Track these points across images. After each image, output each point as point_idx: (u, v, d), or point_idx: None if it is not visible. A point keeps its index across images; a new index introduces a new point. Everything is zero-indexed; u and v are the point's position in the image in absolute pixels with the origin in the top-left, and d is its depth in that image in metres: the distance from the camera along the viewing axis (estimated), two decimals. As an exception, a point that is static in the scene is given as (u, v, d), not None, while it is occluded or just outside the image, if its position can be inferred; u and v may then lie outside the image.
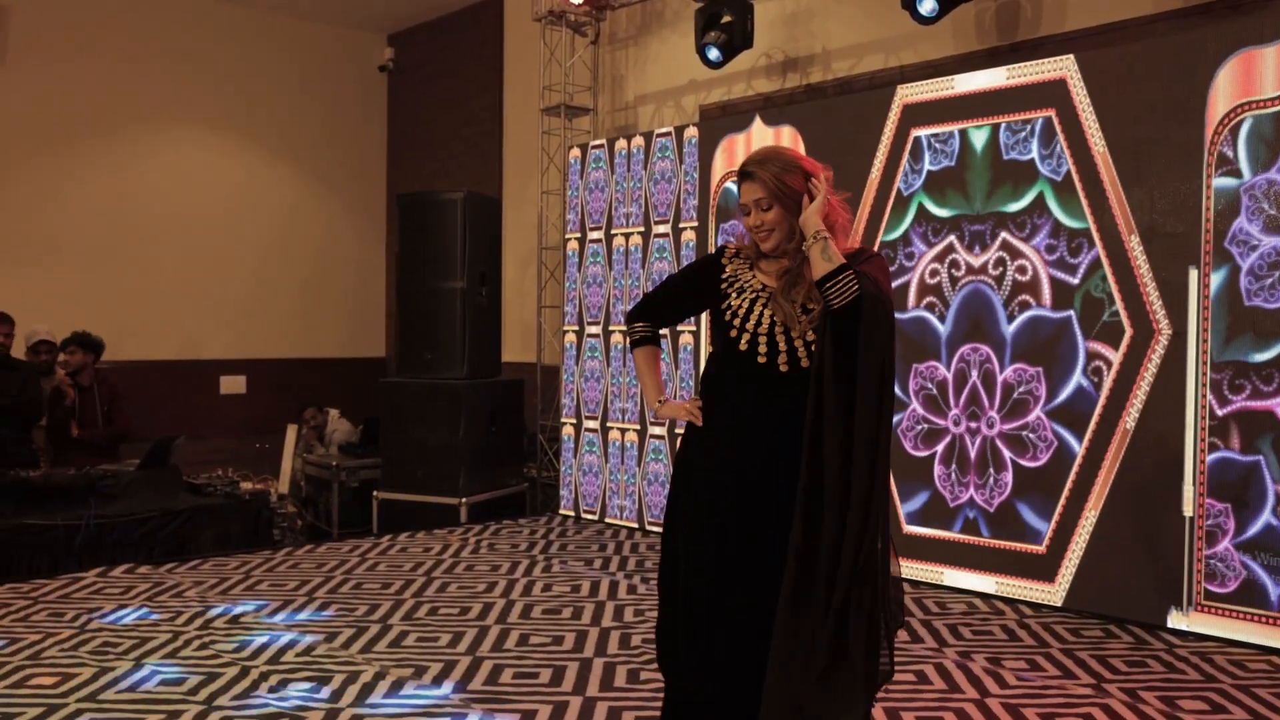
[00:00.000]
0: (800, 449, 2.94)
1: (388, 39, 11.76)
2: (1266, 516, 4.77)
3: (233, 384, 10.86)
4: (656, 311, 3.39)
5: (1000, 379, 5.65)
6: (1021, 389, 5.56)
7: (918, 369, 5.99)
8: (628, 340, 4.23)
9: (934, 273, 5.93)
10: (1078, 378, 5.38)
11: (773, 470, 3.01)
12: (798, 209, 3.04)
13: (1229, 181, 4.90)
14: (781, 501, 2.96)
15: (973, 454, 5.74)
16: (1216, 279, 4.93)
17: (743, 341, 3.07)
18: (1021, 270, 5.58)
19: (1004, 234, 5.64)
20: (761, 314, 3.08)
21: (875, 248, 6.17)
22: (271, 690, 4.18)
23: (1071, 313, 5.41)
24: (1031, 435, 5.53)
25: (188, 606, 5.39)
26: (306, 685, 4.24)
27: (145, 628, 5.02)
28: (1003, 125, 5.65)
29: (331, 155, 11.46)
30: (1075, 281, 5.39)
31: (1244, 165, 4.86)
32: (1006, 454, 5.60)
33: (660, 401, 3.34)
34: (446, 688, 4.25)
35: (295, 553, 6.73)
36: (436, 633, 4.99)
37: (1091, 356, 5.34)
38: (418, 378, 8.10)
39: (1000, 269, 5.66)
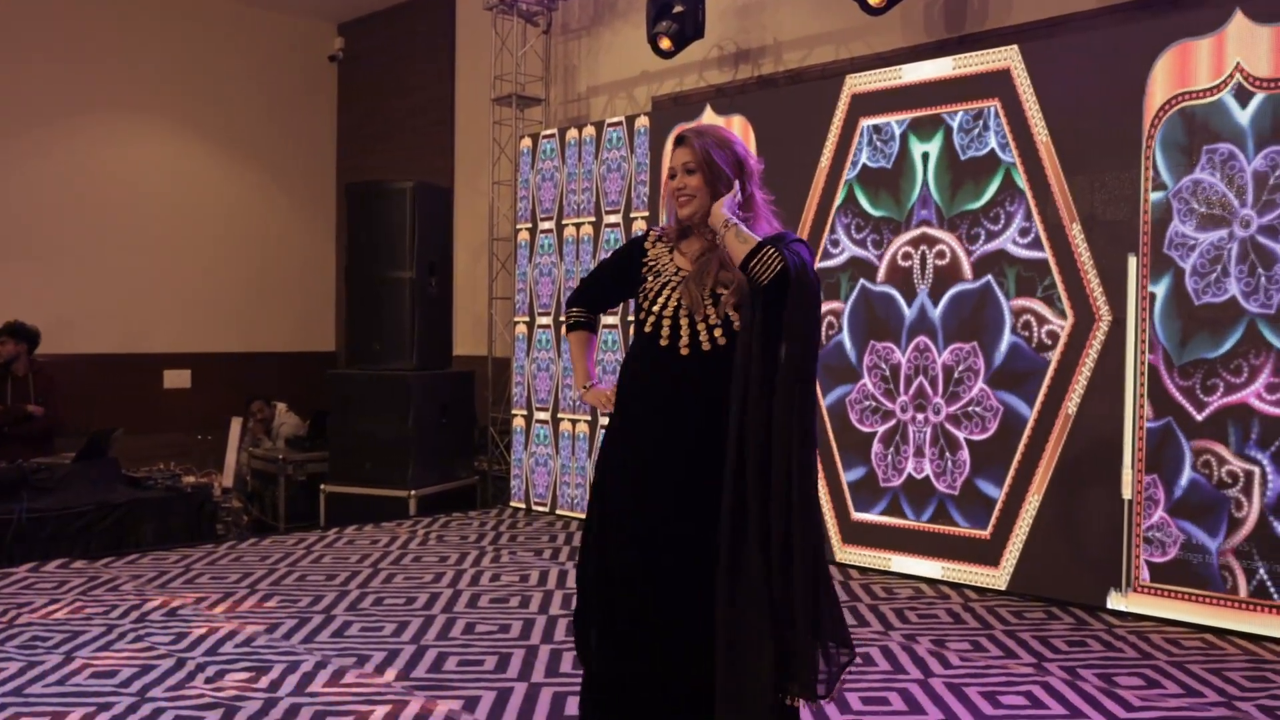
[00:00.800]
0: (707, 431, 2.94)
1: (338, 28, 11.64)
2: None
3: (177, 378, 10.70)
4: (588, 297, 3.39)
5: (940, 364, 5.68)
6: (961, 367, 5.60)
7: (875, 347, 6.01)
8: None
9: (906, 255, 5.95)
10: (1008, 336, 5.43)
11: (678, 454, 3.00)
12: (717, 186, 3.02)
13: (1157, 195, 4.97)
14: (689, 487, 2.96)
15: (925, 440, 5.76)
16: (1163, 286, 4.97)
17: (648, 324, 3.07)
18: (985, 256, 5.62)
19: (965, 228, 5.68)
20: (669, 297, 3.05)
21: (804, 233, 6.19)
22: (208, 681, 4.12)
23: (989, 277, 5.47)
24: (977, 409, 5.56)
25: (124, 600, 5.31)
26: (244, 675, 4.19)
27: (77, 621, 4.93)
28: (955, 130, 5.68)
29: (281, 146, 11.33)
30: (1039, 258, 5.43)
31: (1165, 177, 4.95)
32: (959, 434, 5.63)
33: (585, 388, 3.32)
34: (389, 675, 4.21)
35: (238, 546, 6.66)
36: (381, 623, 4.95)
37: (1019, 312, 5.38)
38: (366, 369, 8.04)
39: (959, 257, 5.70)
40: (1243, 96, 4.74)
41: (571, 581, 5.65)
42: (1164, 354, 4.97)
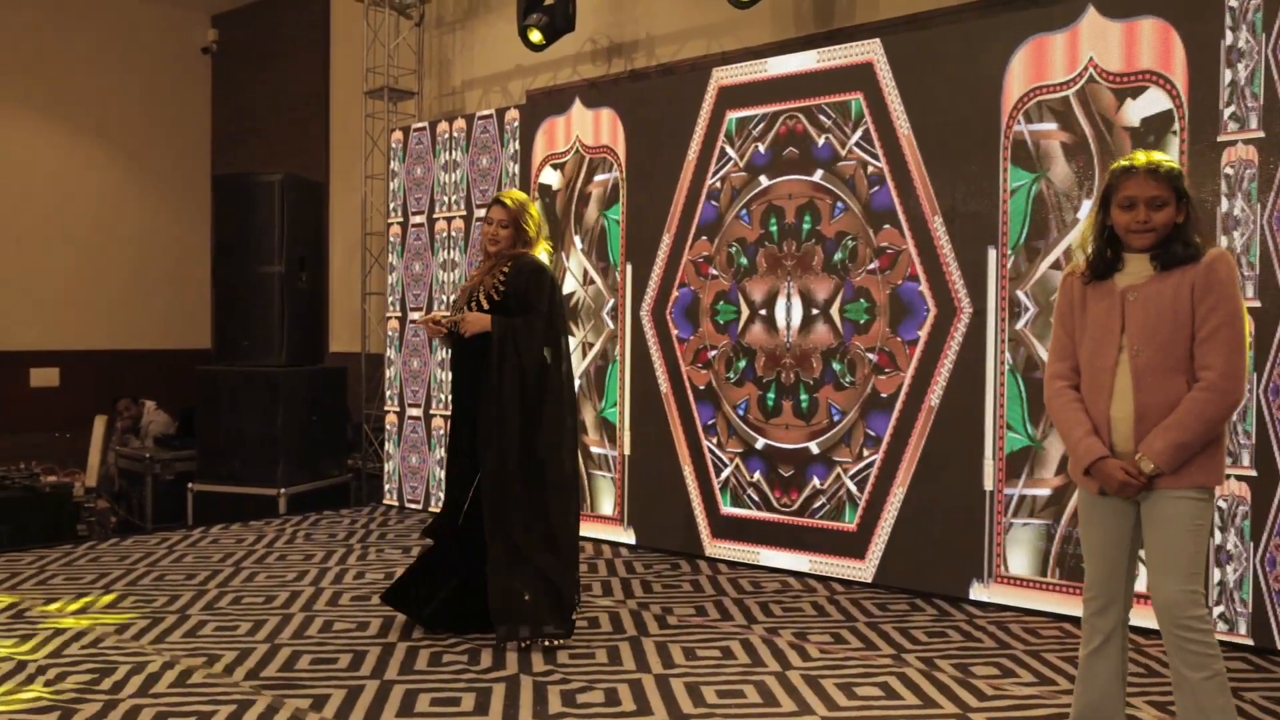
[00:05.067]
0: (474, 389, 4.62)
1: (211, 19, 11.39)
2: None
3: (44, 376, 10.38)
4: None
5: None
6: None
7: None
8: None
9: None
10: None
11: (465, 405, 4.67)
12: (524, 236, 4.69)
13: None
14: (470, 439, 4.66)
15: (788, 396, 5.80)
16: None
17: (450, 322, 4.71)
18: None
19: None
20: (459, 300, 4.77)
21: (674, 222, 6.26)
22: (48, 684, 3.98)
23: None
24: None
25: (-30, 602, 5.12)
26: (87, 677, 4.05)
27: (-81, 625, 4.75)
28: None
29: (153, 138, 11.05)
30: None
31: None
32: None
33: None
34: (237, 675, 4.10)
35: (98, 547, 6.46)
36: (236, 622, 4.82)
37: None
38: (234, 365, 7.86)
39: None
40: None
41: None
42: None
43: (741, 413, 6.00)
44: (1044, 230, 5.01)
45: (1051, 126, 4.98)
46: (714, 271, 6.12)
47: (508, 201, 4.69)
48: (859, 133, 5.56)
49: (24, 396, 10.21)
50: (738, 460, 6.03)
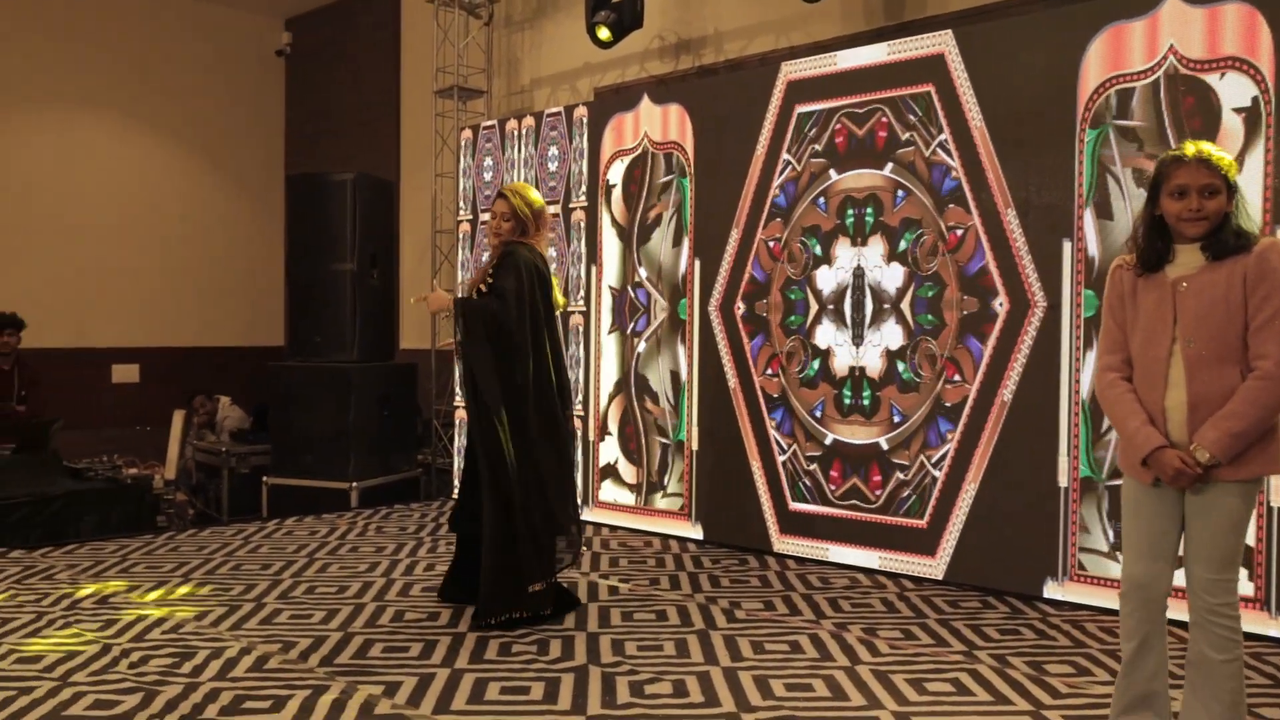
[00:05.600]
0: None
1: (285, 23, 11.57)
2: None
3: (126, 372, 10.60)
4: None
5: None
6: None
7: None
8: None
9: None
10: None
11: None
12: (522, 225, 4.86)
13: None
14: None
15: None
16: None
17: None
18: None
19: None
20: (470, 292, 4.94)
21: (741, 218, 6.26)
22: (131, 667, 4.07)
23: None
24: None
25: (57, 588, 5.25)
26: (168, 661, 4.14)
27: (8, 609, 4.87)
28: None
29: (230, 140, 11.25)
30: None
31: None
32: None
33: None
34: (312, 661, 4.16)
35: (177, 537, 6.59)
36: (310, 610, 4.90)
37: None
38: (307, 362, 7.97)
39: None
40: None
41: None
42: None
43: (817, 414, 5.98)
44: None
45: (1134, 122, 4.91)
46: (787, 257, 6.11)
47: (509, 194, 4.88)
48: (929, 124, 5.52)
49: (106, 391, 10.44)
50: (806, 456, 6.01)
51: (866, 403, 5.77)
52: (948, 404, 5.46)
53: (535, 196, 4.93)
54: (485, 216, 7.77)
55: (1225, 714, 3.05)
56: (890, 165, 5.68)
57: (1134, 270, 3.21)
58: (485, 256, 4.90)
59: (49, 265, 9.95)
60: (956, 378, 5.44)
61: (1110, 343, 3.30)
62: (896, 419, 5.65)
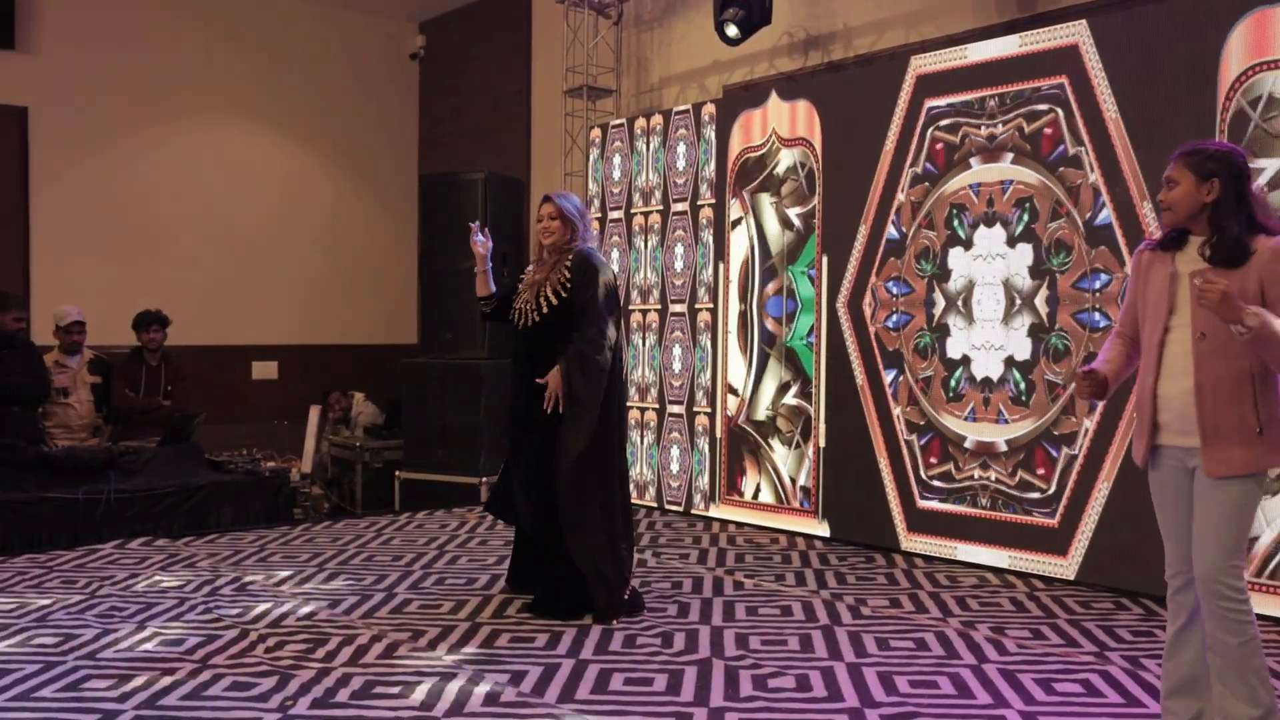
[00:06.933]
0: (538, 373, 4.78)
1: (419, 26, 11.79)
2: None
3: (265, 369, 10.92)
4: (504, 300, 5.17)
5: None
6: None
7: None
8: None
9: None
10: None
11: (526, 387, 4.81)
12: (571, 226, 4.89)
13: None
14: (530, 410, 4.81)
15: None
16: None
17: (513, 313, 4.96)
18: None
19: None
20: (523, 294, 4.94)
21: (870, 213, 6.21)
22: (267, 651, 4.21)
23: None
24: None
25: (199, 575, 5.45)
26: (302, 647, 4.27)
27: (153, 594, 5.08)
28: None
29: (366, 142, 11.50)
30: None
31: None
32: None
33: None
34: (440, 650, 4.25)
35: (312, 529, 6.79)
36: (440, 601, 5.01)
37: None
38: (439, 358, 8.12)
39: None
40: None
41: (635, 565, 5.67)
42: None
43: (949, 412, 5.89)
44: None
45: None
46: (916, 253, 6.04)
47: (554, 198, 4.96)
48: (1063, 117, 5.40)
49: (246, 387, 10.75)
50: (934, 454, 5.93)
51: (994, 401, 5.67)
52: (1075, 404, 5.34)
53: (578, 200, 5.05)
54: (615, 214, 7.87)
55: (1252, 694, 3.14)
56: (1020, 158, 5.57)
57: (1151, 249, 3.35)
58: (526, 273, 5.05)
59: (195, 265, 10.29)
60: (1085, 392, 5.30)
61: (1123, 318, 3.48)
62: (1025, 419, 5.54)
